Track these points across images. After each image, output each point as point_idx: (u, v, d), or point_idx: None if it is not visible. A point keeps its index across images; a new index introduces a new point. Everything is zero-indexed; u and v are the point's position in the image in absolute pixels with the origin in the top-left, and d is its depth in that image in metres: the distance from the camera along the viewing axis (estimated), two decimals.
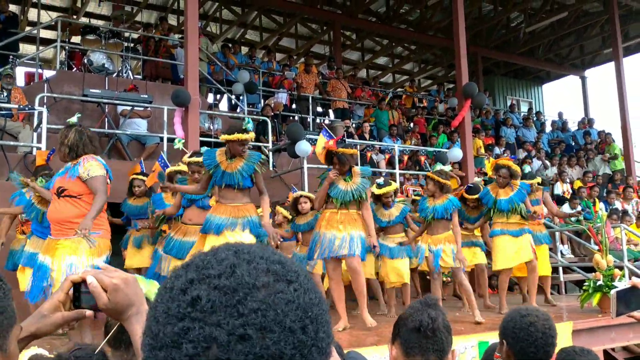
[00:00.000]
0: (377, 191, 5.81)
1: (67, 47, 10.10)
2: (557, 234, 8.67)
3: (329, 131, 5.25)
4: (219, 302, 0.59)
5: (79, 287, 1.06)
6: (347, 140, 6.86)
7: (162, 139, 8.42)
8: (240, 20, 15.07)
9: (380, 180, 6.00)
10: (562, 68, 18.13)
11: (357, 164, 5.13)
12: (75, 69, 9.97)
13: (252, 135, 4.42)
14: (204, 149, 5.04)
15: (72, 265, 3.66)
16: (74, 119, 4.04)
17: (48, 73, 9.53)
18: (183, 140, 5.12)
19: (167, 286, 0.65)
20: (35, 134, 7.48)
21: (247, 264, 0.63)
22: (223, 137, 4.39)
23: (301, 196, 5.84)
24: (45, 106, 7.59)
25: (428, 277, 6.89)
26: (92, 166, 3.81)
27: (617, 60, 12.96)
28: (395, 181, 7.66)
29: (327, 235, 4.68)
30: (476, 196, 6.12)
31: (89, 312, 1.06)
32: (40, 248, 4.64)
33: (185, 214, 5.11)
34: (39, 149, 7.09)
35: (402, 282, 5.96)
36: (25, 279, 5.01)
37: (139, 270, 6.04)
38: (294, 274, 0.64)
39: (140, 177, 6.09)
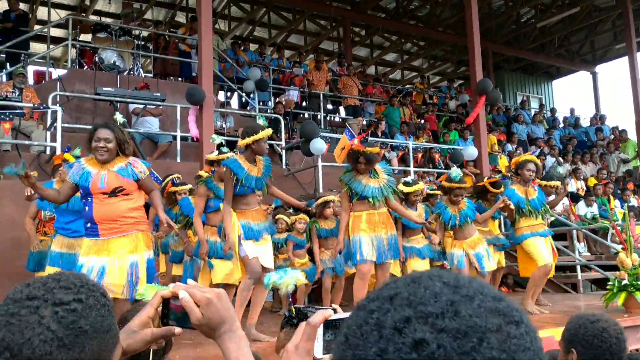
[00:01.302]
0: (406, 189, 5.72)
1: (77, 45, 10.05)
2: (574, 232, 8.58)
3: (351, 130, 5.17)
4: (450, 348, 0.51)
5: (167, 303, 1.02)
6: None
7: (175, 137, 8.40)
8: (249, 17, 15.00)
9: (408, 178, 5.92)
10: (572, 64, 18.01)
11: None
12: (86, 67, 9.92)
13: (271, 130, 4.42)
14: (224, 148, 4.97)
15: (133, 264, 3.65)
16: (121, 118, 4.05)
17: (58, 72, 9.49)
18: (220, 137, 5.02)
19: (372, 322, 0.56)
20: (48, 133, 7.44)
21: (470, 301, 0.55)
22: (249, 140, 4.27)
23: (332, 201, 5.75)
24: (58, 104, 7.56)
25: None
26: (143, 167, 3.85)
27: (632, 55, 12.81)
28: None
29: (377, 238, 4.59)
30: (500, 190, 6.03)
31: (177, 330, 1.02)
32: (66, 246, 4.59)
33: (214, 218, 4.97)
34: (53, 148, 7.06)
35: None
36: None
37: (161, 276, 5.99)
38: (517, 312, 0.57)
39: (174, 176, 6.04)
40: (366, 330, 0.56)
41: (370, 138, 9.63)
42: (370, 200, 4.63)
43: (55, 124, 7.17)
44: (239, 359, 0.99)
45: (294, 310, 1.83)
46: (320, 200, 5.87)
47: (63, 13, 13.28)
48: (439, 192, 6.42)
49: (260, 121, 4.36)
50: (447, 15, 15.22)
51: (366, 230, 4.60)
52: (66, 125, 7.61)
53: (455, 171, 5.50)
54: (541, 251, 5.54)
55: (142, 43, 10.58)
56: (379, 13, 15.13)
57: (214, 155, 4.96)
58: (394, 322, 0.54)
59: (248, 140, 4.27)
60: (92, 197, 3.73)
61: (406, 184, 5.80)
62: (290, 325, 1.84)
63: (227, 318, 0.99)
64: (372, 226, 4.61)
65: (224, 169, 4.61)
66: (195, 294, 0.98)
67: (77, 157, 4.92)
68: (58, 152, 6.79)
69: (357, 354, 0.55)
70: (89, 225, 3.76)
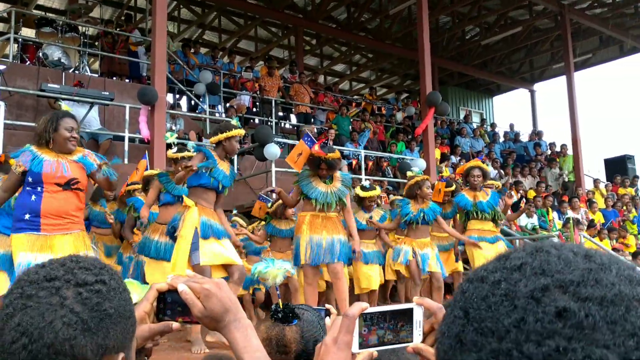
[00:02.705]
0: (363, 193, 5.77)
1: (20, 40, 9.61)
2: (517, 241, 8.89)
3: (311, 136, 5.17)
4: (599, 317, 0.48)
5: (164, 297, 0.97)
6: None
7: (119, 137, 8.17)
8: (200, 20, 14.81)
9: (366, 183, 5.99)
10: (512, 81, 18.76)
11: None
12: (28, 62, 9.49)
13: (243, 131, 4.39)
14: (190, 144, 4.87)
15: None
16: (67, 106, 3.86)
17: None
18: (175, 134, 4.90)
19: (500, 293, 0.53)
20: None
21: (607, 269, 0.53)
22: (222, 136, 4.23)
23: None
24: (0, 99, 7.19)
25: (396, 283, 6.90)
26: (93, 157, 3.67)
27: (569, 75, 13.47)
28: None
29: (314, 240, 4.60)
30: (452, 188, 6.20)
31: (175, 325, 0.97)
32: (7, 246, 4.31)
33: (170, 213, 4.78)
34: None
35: (370, 288, 5.98)
36: None
37: None
38: None
39: None
40: (495, 302, 0.53)
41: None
42: (313, 202, 4.69)
43: None
44: (247, 348, 0.95)
45: (281, 304, 1.79)
46: (280, 201, 5.85)
47: (2, 6, 12.70)
48: (399, 197, 6.55)
49: (234, 121, 4.30)
50: (396, 29, 15.54)
51: (305, 232, 4.67)
52: (6, 122, 7.25)
53: (414, 170, 5.65)
54: (481, 260, 5.69)
55: (90, 41, 10.23)
56: (330, 23, 15.27)
57: (174, 153, 4.87)
58: (530, 291, 0.51)
59: (221, 136, 4.23)
60: (42, 187, 3.48)
61: (363, 188, 5.85)
62: (274, 319, 1.79)
63: (230, 307, 0.95)
64: (313, 228, 4.66)
65: (181, 169, 4.52)
66: (194, 286, 0.94)
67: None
68: None
69: (484, 327, 0.52)
70: (28, 217, 3.47)
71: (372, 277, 5.89)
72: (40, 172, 3.47)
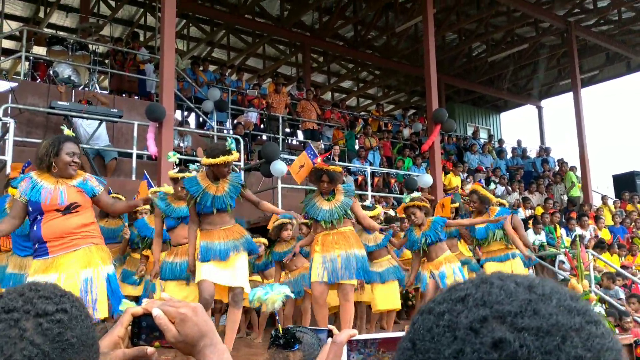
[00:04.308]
0: (367, 213, 5.75)
1: (31, 58, 9.76)
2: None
3: (314, 150, 5.21)
4: (533, 347, 0.50)
5: (138, 321, 0.95)
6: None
7: (127, 154, 8.24)
8: (208, 38, 14.99)
9: (367, 202, 5.95)
10: (519, 98, 18.76)
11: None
12: (39, 80, 9.63)
13: (236, 155, 4.29)
14: (192, 166, 4.87)
15: (87, 280, 3.44)
16: (70, 132, 3.87)
17: (5, 84, 9.18)
18: (178, 154, 4.92)
19: (443, 324, 0.54)
20: None
21: (547, 300, 0.54)
22: (207, 161, 4.20)
23: (287, 223, 5.69)
24: (9, 117, 7.29)
25: (410, 302, 6.86)
26: (97, 182, 3.71)
27: (576, 91, 13.47)
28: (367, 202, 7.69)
29: (328, 258, 4.57)
30: (456, 205, 6.18)
31: (150, 350, 0.96)
32: (18, 267, 4.37)
33: (178, 234, 4.82)
34: (3, 161, 6.77)
35: (393, 308, 5.90)
36: None
37: None
38: (594, 313, 0.56)
39: (116, 196, 5.88)
40: (437, 333, 0.54)
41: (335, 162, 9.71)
42: (322, 224, 4.69)
43: (5, 137, 6.91)
44: None
45: (281, 330, 1.78)
46: (276, 223, 5.78)
47: (14, 24, 12.92)
48: (403, 215, 6.50)
49: (228, 143, 4.24)
50: (402, 47, 15.64)
51: (319, 252, 4.65)
52: (16, 139, 7.35)
53: (406, 196, 5.58)
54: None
55: (100, 59, 10.37)
56: (337, 41, 15.40)
57: (174, 173, 4.88)
58: (469, 322, 0.53)
59: (205, 161, 4.23)
60: (42, 215, 3.51)
61: (365, 208, 5.83)
62: (276, 346, 1.78)
63: (206, 332, 0.93)
64: (325, 247, 4.64)
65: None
66: (169, 311, 0.92)
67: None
68: (8, 166, 6.53)
69: (428, 358, 0.53)
70: (37, 246, 3.52)
71: (392, 295, 5.79)
72: (39, 202, 3.50)
